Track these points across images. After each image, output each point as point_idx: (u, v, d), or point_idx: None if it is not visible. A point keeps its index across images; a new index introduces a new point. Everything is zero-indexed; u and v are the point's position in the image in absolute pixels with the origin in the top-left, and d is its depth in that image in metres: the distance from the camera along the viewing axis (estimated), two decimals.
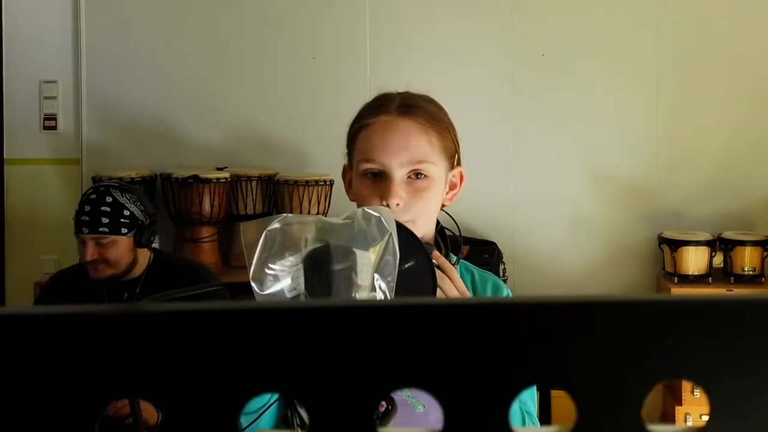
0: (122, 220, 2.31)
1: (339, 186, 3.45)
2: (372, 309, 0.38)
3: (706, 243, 3.36)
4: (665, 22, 3.56)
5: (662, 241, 3.46)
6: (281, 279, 0.86)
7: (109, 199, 2.31)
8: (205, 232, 3.33)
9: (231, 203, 3.43)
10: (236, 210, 3.45)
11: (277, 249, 0.84)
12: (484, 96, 3.59)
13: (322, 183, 3.39)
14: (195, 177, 3.26)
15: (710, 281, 3.33)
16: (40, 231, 3.73)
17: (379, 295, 0.89)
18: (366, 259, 0.88)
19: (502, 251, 3.44)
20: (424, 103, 1.29)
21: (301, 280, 0.86)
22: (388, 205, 1.17)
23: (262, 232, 0.85)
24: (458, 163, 1.30)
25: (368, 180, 1.23)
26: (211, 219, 3.32)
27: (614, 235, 3.59)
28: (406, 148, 1.21)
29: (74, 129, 3.72)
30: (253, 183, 3.45)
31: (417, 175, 1.22)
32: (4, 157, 3.74)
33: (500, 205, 3.57)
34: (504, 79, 3.60)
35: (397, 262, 0.90)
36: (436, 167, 1.23)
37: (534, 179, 3.58)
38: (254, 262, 0.84)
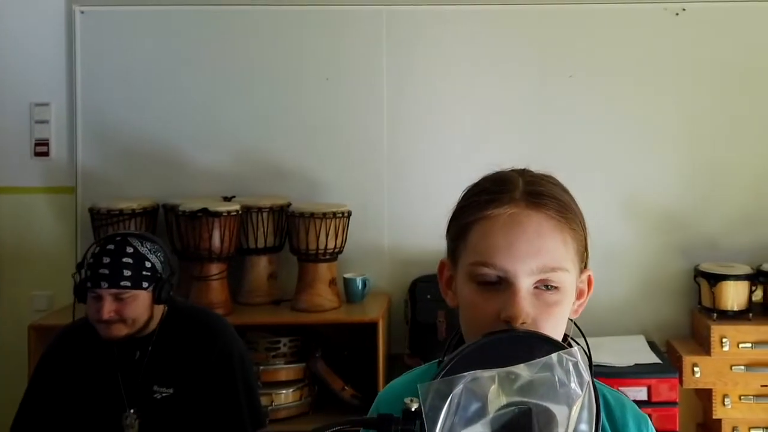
0: (144, 273, 2.08)
1: (355, 216, 3.24)
2: None
3: (746, 277, 3.18)
4: (701, 44, 3.38)
5: (699, 274, 3.27)
6: None
7: (130, 250, 2.08)
8: (215, 269, 3.08)
9: (241, 236, 3.19)
10: (246, 244, 3.21)
11: (462, 412, 0.62)
12: (510, 119, 3.39)
13: (340, 215, 3.16)
14: (205, 210, 3.02)
15: (750, 317, 3.15)
16: (32, 265, 3.46)
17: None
18: (565, 419, 0.66)
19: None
20: (553, 187, 1.04)
21: None
22: (508, 323, 0.93)
23: (447, 395, 0.62)
24: (586, 264, 1.06)
25: (483, 288, 0.98)
26: (221, 254, 3.07)
27: (647, 268, 3.40)
28: (538, 252, 0.97)
29: (68, 155, 3.45)
30: (265, 214, 3.22)
31: (546, 286, 0.98)
32: None
33: None
34: (531, 101, 3.40)
35: (594, 416, 0.68)
36: (568, 275, 0.99)
37: None
38: None
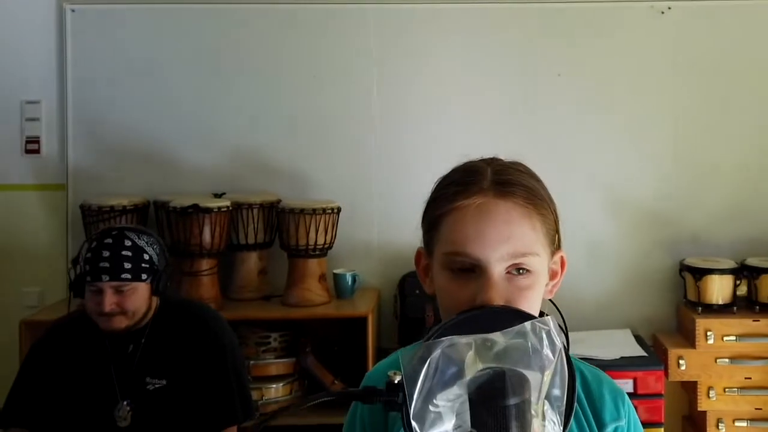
0: (143, 265, 2.11)
1: (344, 212, 3.27)
2: None
3: (731, 271, 3.22)
4: (686, 42, 3.43)
5: (684, 268, 3.32)
6: (445, 417, 0.67)
7: (128, 243, 2.11)
8: (205, 264, 3.11)
9: (231, 232, 3.21)
10: (237, 240, 3.24)
11: (440, 377, 0.65)
12: (497, 116, 3.43)
13: (330, 211, 3.19)
14: (195, 206, 3.04)
15: (735, 311, 3.19)
16: (23, 262, 3.48)
17: (549, 426, 0.71)
18: (538, 383, 0.69)
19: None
20: (520, 175, 1.07)
21: (468, 417, 0.67)
22: (483, 307, 0.95)
23: (426, 360, 0.66)
24: (559, 246, 1.09)
25: (457, 276, 1.01)
26: (211, 250, 3.10)
27: (633, 263, 3.44)
28: (508, 239, 0.99)
29: (59, 152, 3.47)
30: (255, 211, 3.24)
31: (518, 270, 1.01)
32: None
33: None
34: (518, 99, 3.44)
35: (566, 382, 0.72)
36: (539, 259, 1.02)
37: None
38: (415, 398, 0.65)
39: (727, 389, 3.13)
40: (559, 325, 0.94)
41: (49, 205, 3.48)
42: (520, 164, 1.12)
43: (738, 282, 3.24)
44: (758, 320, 3.15)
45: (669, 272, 3.42)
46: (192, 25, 3.47)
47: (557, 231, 1.08)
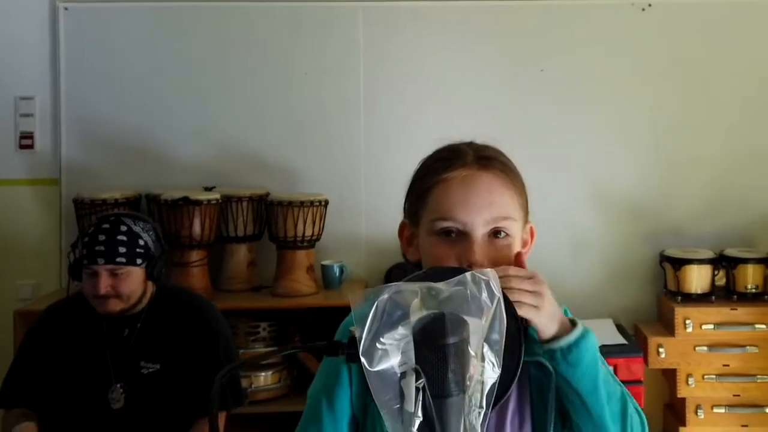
0: (138, 250, 2.19)
1: (333, 206, 3.35)
2: None
3: (709, 261, 3.30)
4: (667, 39, 3.51)
5: (664, 259, 3.40)
6: (391, 354, 0.75)
7: (123, 228, 2.18)
8: (195, 255, 3.18)
9: (221, 225, 3.29)
10: (226, 232, 3.31)
11: (387, 319, 0.73)
12: (483, 111, 3.50)
13: (317, 203, 3.26)
14: (185, 199, 3.12)
15: (713, 300, 3.27)
16: (17, 255, 3.54)
17: (488, 366, 0.79)
18: (478, 327, 0.77)
19: None
20: (497, 154, 1.20)
21: (412, 354, 0.75)
22: (469, 267, 1.06)
23: (373, 302, 0.73)
24: (528, 219, 1.21)
25: (444, 239, 1.13)
26: (201, 242, 3.17)
27: (614, 254, 3.52)
28: (490, 205, 1.12)
29: (52, 147, 3.54)
30: (244, 204, 3.31)
31: (497, 233, 1.13)
32: None
33: None
34: (503, 94, 3.52)
35: (504, 327, 0.80)
36: (516, 223, 1.15)
37: (532, 197, 3.48)
38: (364, 336, 0.73)
39: (705, 376, 3.21)
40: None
41: (42, 200, 3.54)
42: (495, 146, 1.23)
43: (716, 272, 3.32)
44: (736, 309, 3.23)
45: (650, 263, 3.50)
46: (183, 23, 3.54)
47: (527, 205, 1.21)
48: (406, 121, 3.51)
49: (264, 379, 3.11)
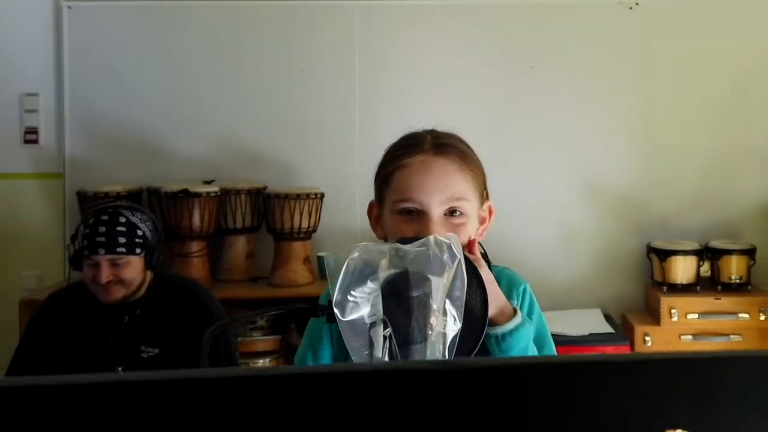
0: (136, 240, 2.28)
1: (329, 199, 3.44)
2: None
3: (694, 252, 3.40)
4: (653, 37, 3.61)
5: (651, 250, 3.50)
6: (361, 306, 0.84)
7: (122, 219, 2.27)
8: (195, 246, 3.28)
9: (220, 217, 3.39)
10: (225, 224, 3.41)
11: (358, 276, 0.83)
12: (476, 106, 3.60)
13: (313, 196, 3.36)
14: (185, 191, 3.22)
15: (698, 290, 3.37)
16: (21, 246, 3.65)
17: (450, 319, 0.89)
18: (440, 284, 0.87)
19: (492, 262, 3.43)
20: (454, 141, 1.30)
21: (380, 306, 0.85)
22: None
23: (343, 262, 0.83)
24: (487, 197, 1.32)
25: (405, 217, 1.24)
26: (200, 233, 3.27)
27: (603, 246, 3.62)
28: (445, 187, 1.23)
29: (56, 142, 3.65)
30: (243, 196, 3.41)
31: (453, 212, 1.23)
32: None
33: None
34: (495, 90, 3.61)
35: (465, 286, 0.89)
36: (470, 204, 1.25)
37: (523, 190, 3.59)
38: (337, 289, 0.83)
39: None
40: (483, 253, 1.16)
41: (46, 193, 3.65)
42: (456, 135, 1.33)
43: (701, 263, 3.41)
44: (720, 299, 3.33)
45: (638, 255, 3.60)
46: (182, 22, 3.64)
47: (485, 187, 1.30)
48: (400, 117, 3.59)
49: (262, 365, 3.20)
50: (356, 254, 0.86)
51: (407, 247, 0.89)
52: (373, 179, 1.37)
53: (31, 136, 3.64)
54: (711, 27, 3.62)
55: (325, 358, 1.21)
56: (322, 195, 3.40)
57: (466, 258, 0.97)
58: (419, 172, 1.24)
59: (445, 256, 0.87)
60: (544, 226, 3.61)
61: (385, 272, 0.86)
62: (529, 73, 3.61)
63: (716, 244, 3.46)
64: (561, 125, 3.63)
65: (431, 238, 0.90)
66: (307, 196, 3.34)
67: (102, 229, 2.26)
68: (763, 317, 3.28)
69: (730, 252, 3.40)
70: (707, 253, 3.44)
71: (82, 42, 3.64)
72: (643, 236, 3.60)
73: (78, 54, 3.64)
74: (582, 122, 3.63)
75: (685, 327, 3.31)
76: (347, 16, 3.62)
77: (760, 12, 3.62)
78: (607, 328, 3.30)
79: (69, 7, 3.64)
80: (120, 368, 2.34)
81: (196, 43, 3.64)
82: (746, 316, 3.30)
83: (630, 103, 3.62)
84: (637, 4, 3.61)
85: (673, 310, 3.31)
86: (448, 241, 0.89)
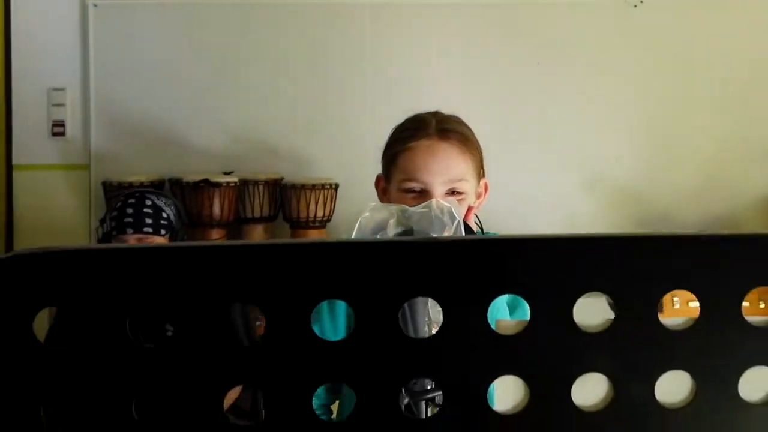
0: (162, 221, 2.43)
1: (343, 190, 3.58)
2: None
3: None
4: (657, 34, 3.73)
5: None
6: None
7: (148, 202, 2.42)
8: (215, 234, 3.43)
9: (239, 206, 3.54)
10: (244, 213, 3.56)
11: (369, 233, 0.97)
12: (483, 100, 3.73)
13: (328, 186, 3.51)
14: (206, 181, 3.37)
15: None
16: (49, 235, 3.80)
17: None
18: None
19: (485, 230, 3.56)
20: (457, 125, 1.46)
21: None
22: None
23: (357, 219, 0.97)
24: (483, 175, 1.46)
25: (410, 195, 1.37)
26: (220, 221, 3.42)
27: None
28: (447, 169, 1.37)
29: (82, 135, 3.80)
30: (261, 187, 3.56)
31: (453, 192, 1.37)
32: (13, 163, 3.82)
33: (493, 210, 3.69)
34: (502, 86, 3.74)
35: None
36: (469, 183, 1.40)
37: (528, 184, 3.72)
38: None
39: None
40: (478, 223, 1.30)
41: (73, 183, 3.81)
42: (459, 118, 1.47)
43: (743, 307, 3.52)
44: None
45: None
46: (203, 19, 3.79)
47: (482, 166, 1.45)
48: (410, 110, 3.70)
49: None
50: (367, 213, 1.00)
51: (412, 208, 1.03)
52: (381, 155, 1.49)
53: (58, 129, 3.80)
54: (714, 24, 3.73)
55: (341, 312, 1.35)
56: (337, 185, 3.55)
57: (463, 222, 1.11)
58: (424, 156, 1.39)
59: (446, 218, 1.01)
60: (548, 218, 3.72)
61: (392, 230, 1.00)
62: (536, 69, 3.74)
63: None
64: (566, 120, 3.75)
65: (433, 201, 1.04)
66: (322, 186, 3.48)
67: (129, 210, 2.41)
68: (762, 305, 3.39)
69: None
70: None
71: (107, 39, 3.80)
72: (644, 229, 3.71)
73: (103, 50, 3.80)
74: (586, 117, 3.75)
75: (686, 315, 3.42)
76: (358, 14, 3.76)
77: (763, 9, 3.73)
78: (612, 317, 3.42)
79: (94, 6, 3.80)
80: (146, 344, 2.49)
81: (215, 40, 3.79)
82: (746, 304, 3.40)
83: (634, 98, 3.74)
84: (641, 1, 3.73)
85: (675, 299, 3.42)
86: (448, 205, 1.03)
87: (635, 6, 3.73)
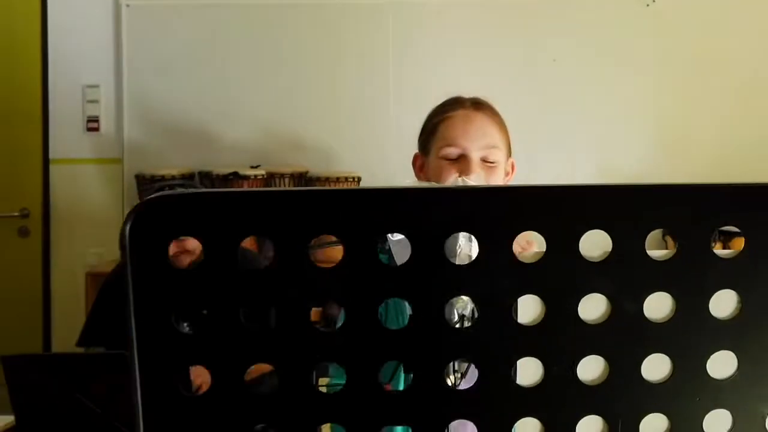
0: None
1: (365, 182, 3.72)
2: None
3: None
4: (669, 32, 3.85)
5: (666, 233, 3.72)
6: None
7: None
8: None
9: None
10: None
11: None
12: (501, 95, 3.81)
13: (351, 180, 3.66)
14: (235, 174, 3.53)
15: None
16: (84, 227, 3.98)
17: (474, 245, 1.17)
18: None
19: None
20: (488, 104, 1.61)
21: None
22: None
23: None
24: (510, 154, 1.60)
25: (448, 161, 1.51)
26: None
27: None
28: (483, 135, 1.52)
29: (116, 130, 3.97)
30: (286, 180, 3.71)
31: (486, 159, 1.51)
32: (50, 157, 4.00)
33: None
34: (520, 81, 3.87)
35: None
36: (501, 153, 1.53)
37: (544, 178, 3.84)
38: None
39: None
40: None
41: (107, 177, 3.98)
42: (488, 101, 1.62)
43: (713, 245, 3.64)
44: None
45: (650, 239, 3.83)
46: (232, 20, 3.95)
47: (510, 146, 1.60)
48: (430, 106, 3.86)
49: None
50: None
51: (439, 185, 1.18)
52: (418, 135, 1.66)
53: (92, 124, 3.97)
54: (725, 22, 3.85)
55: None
56: (359, 179, 3.69)
57: None
58: (462, 122, 1.53)
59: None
60: None
61: None
62: (552, 66, 3.87)
63: (728, 227, 3.67)
64: (580, 115, 3.88)
65: (459, 178, 1.19)
66: (346, 179, 3.63)
67: None
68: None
69: (741, 234, 3.61)
70: (719, 236, 3.66)
71: (139, 38, 3.96)
72: None
73: (135, 48, 3.96)
74: (600, 113, 3.88)
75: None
76: (382, 13, 3.91)
77: (765, 9, 3.84)
78: None
79: (127, 6, 3.96)
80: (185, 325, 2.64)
81: (243, 38, 3.94)
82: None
83: (646, 94, 3.86)
84: (654, 1, 3.85)
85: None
86: (473, 181, 1.17)
87: (648, 5, 3.85)
